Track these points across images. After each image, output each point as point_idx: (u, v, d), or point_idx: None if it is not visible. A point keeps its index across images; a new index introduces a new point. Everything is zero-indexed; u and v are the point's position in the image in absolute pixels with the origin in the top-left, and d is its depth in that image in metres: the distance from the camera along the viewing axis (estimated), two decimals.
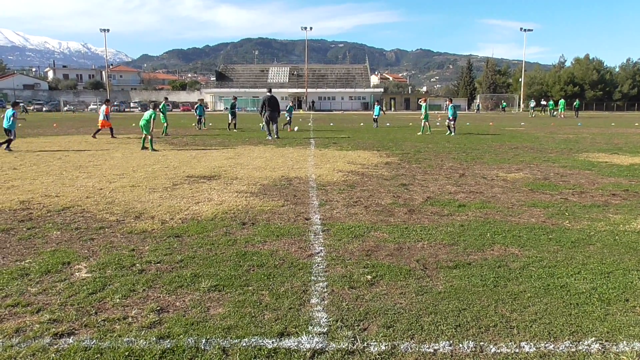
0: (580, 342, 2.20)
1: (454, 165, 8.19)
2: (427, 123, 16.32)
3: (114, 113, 47.52)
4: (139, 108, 53.52)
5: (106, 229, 4.07)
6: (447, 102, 17.10)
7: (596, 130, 18.68)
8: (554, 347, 2.16)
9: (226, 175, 7.01)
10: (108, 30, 55.75)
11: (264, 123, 14.06)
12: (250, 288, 2.81)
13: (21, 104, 25.12)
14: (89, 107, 57.45)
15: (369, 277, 2.98)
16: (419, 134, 15.85)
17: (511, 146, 11.78)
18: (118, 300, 2.65)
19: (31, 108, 45.94)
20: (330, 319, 2.42)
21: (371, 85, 68.08)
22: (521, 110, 53.11)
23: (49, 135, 15.74)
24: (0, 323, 2.38)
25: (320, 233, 3.95)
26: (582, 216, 4.54)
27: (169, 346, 2.15)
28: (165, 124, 15.74)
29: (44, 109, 52.41)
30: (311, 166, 8.02)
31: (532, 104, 40.01)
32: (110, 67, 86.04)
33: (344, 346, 2.16)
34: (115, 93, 67.27)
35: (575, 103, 37.15)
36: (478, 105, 56.03)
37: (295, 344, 2.18)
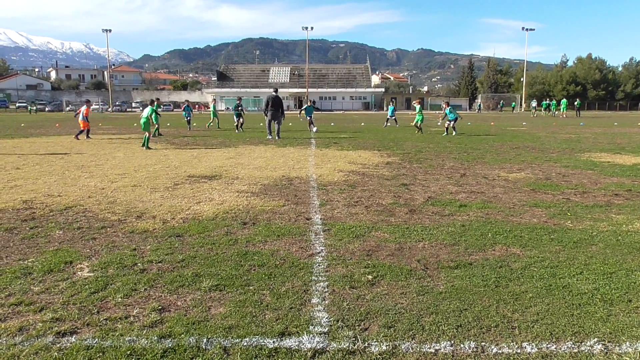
0: (583, 343, 2.19)
1: (455, 165, 8.17)
2: (420, 124, 16.22)
3: (115, 113, 47.74)
4: (140, 108, 53.67)
5: (108, 229, 4.08)
6: (444, 105, 16.17)
7: (598, 130, 18.61)
8: (556, 348, 2.15)
9: (227, 175, 7.02)
10: (110, 30, 55.91)
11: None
12: (251, 288, 2.82)
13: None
14: (91, 107, 57.59)
15: (369, 277, 2.97)
16: (418, 133, 15.82)
17: (512, 146, 11.75)
18: (120, 299, 2.65)
19: (34, 108, 46.13)
20: (331, 319, 2.42)
21: (372, 85, 68.02)
22: (523, 110, 52.93)
23: (52, 135, 15.80)
24: (4, 322, 2.39)
25: (321, 233, 3.95)
26: (584, 216, 4.52)
27: (170, 345, 2.16)
28: (156, 125, 15.51)
29: (47, 109, 52.61)
30: (312, 166, 8.02)
31: (534, 103, 39.91)
32: (112, 67, 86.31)
33: (344, 346, 2.16)
34: (117, 93, 67.47)
35: (576, 102, 36.97)
36: (479, 105, 55.88)
37: (296, 343, 2.18)
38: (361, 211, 4.71)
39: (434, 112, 50.85)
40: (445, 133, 15.48)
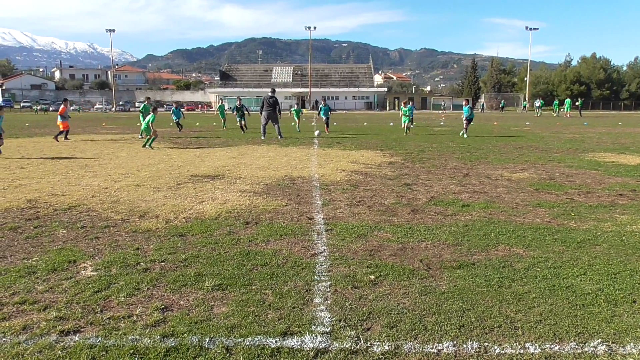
0: (587, 344, 2.18)
1: (457, 165, 8.14)
2: (408, 123, 15.66)
3: (119, 113, 47.90)
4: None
5: (111, 228, 4.10)
6: (464, 103, 16.17)
7: (603, 130, 18.48)
8: (559, 349, 2.14)
9: (230, 175, 7.03)
10: (114, 30, 56.19)
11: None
12: (253, 287, 2.82)
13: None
14: (95, 107, 57.95)
15: (372, 277, 2.97)
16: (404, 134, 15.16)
17: (516, 146, 11.69)
18: (123, 298, 2.67)
19: (38, 108, 46.40)
20: (333, 319, 2.42)
21: (375, 85, 67.92)
22: (526, 110, 52.58)
23: (54, 134, 15.88)
24: (8, 320, 2.41)
25: (324, 233, 3.95)
26: (588, 216, 4.49)
27: (173, 344, 2.17)
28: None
29: (51, 108, 52.97)
30: (314, 166, 8.02)
31: (538, 103, 39.65)
32: (116, 67, 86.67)
33: (347, 346, 2.16)
34: (121, 93, 67.80)
35: (578, 102, 36.60)
36: (482, 105, 55.58)
37: (299, 343, 2.18)
38: (364, 211, 4.70)
39: (435, 112, 50.69)
40: (463, 133, 14.97)
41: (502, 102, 53.64)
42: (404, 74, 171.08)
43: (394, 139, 13.77)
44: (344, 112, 50.72)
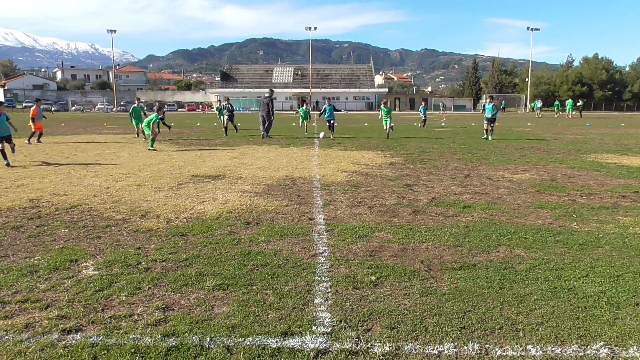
0: (589, 346, 2.17)
1: (459, 166, 8.13)
2: (389, 125, 14.22)
3: (120, 113, 47.96)
4: (145, 108, 54.04)
5: (112, 228, 4.11)
6: (487, 100, 13.99)
7: (605, 131, 18.43)
8: (561, 351, 2.13)
9: (230, 175, 7.04)
10: (115, 31, 56.31)
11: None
12: (254, 287, 2.82)
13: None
14: (96, 107, 58.10)
15: (373, 277, 2.97)
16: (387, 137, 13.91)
17: (517, 147, 11.67)
18: (124, 297, 2.67)
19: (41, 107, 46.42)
20: (334, 319, 2.42)
21: (376, 85, 67.91)
22: (528, 110, 52.45)
23: (57, 134, 15.94)
24: (10, 318, 2.42)
25: (324, 233, 3.95)
26: (590, 218, 4.48)
27: (174, 344, 2.17)
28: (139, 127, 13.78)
29: (53, 108, 53.11)
30: (315, 166, 8.02)
31: (539, 103, 39.57)
32: (117, 67, 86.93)
33: (347, 346, 2.16)
34: (122, 93, 67.94)
35: (578, 103, 36.45)
36: (483, 106, 55.43)
37: (299, 343, 2.18)
38: (364, 211, 4.70)
39: (436, 111, 50.63)
40: (485, 136, 13.62)
41: (503, 102, 53.52)
42: (405, 75, 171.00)
43: (394, 139, 13.77)
44: (345, 112, 50.72)
